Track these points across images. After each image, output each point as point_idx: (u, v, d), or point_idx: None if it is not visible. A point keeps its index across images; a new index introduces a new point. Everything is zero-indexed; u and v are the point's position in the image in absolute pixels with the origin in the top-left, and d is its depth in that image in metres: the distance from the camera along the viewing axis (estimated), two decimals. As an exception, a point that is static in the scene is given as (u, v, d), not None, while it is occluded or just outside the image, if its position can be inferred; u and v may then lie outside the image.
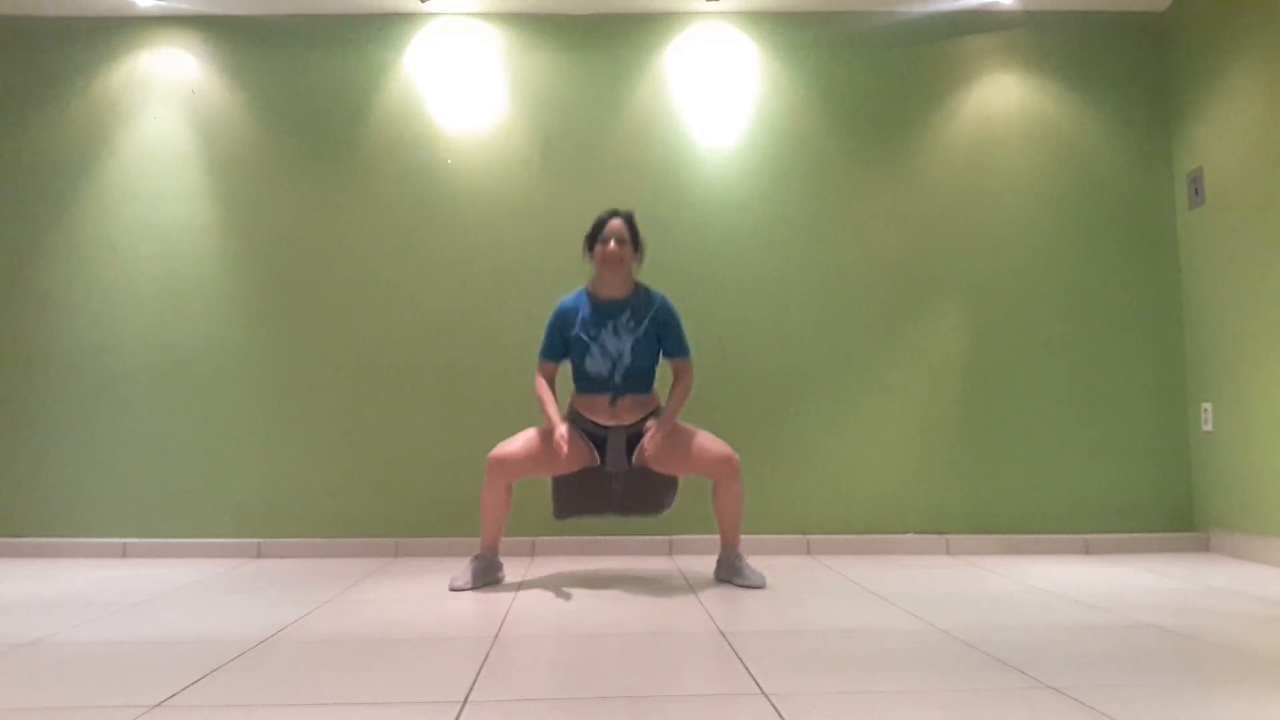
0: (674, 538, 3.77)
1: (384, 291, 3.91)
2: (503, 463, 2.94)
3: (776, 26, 4.04)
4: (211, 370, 3.87)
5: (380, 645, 2.15)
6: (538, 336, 3.83)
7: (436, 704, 1.67)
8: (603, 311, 2.99)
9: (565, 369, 3.13)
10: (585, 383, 3.01)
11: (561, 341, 3.05)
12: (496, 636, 2.23)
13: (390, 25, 4.02)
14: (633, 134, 3.96)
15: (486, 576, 2.99)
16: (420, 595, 2.84)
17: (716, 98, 4.01)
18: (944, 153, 3.99)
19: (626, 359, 2.94)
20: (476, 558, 3.00)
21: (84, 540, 3.76)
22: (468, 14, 4.04)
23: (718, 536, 3.71)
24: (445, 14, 4.04)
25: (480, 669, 1.91)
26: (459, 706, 1.65)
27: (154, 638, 2.25)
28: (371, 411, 3.86)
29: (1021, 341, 3.91)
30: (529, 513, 3.80)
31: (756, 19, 4.04)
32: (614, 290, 3.01)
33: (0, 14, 3.97)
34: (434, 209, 3.94)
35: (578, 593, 2.87)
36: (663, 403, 3.05)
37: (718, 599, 2.73)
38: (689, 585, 2.99)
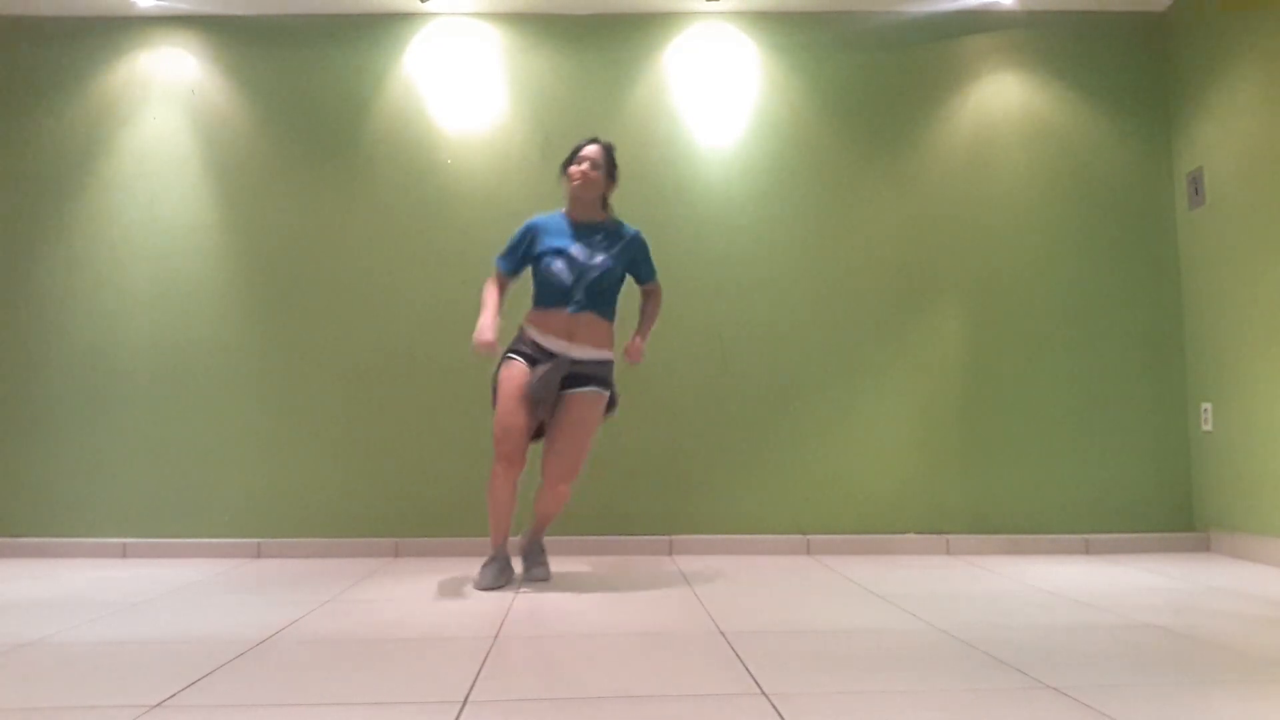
0: (674, 538, 3.77)
1: (384, 291, 3.91)
2: (507, 445, 2.86)
3: (776, 26, 4.04)
4: (211, 370, 3.87)
5: (380, 645, 2.15)
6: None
7: (436, 704, 1.67)
8: (576, 229, 3.01)
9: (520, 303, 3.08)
10: (546, 294, 2.95)
11: (523, 253, 3.02)
12: (496, 636, 2.23)
13: (390, 25, 4.02)
14: (633, 134, 3.95)
15: (501, 579, 2.97)
16: (420, 595, 2.84)
17: (716, 98, 4.01)
18: (944, 152, 3.99)
19: (592, 273, 2.92)
20: (490, 562, 2.99)
21: (84, 540, 3.76)
22: (468, 14, 4.04)
23: (717, 536, 3.74)
24: (445, 14, 4.04)
25: (480, 669, 1.91)
26: (459, 706, 1.65)
27: (154, 638, 2.25)
28: (371, 411, 3.86)
29: (1021, 341, 3.91)
30: (528, 512, 3.79)
31: (756, 19, 4.04)
32: (587, 213, 3.03)
33: (0, 14, 3.97)
34: (434, 209, 3.94)
35: (578, 593, 2.87)
36: (616, 348, 3.02)
37: (718, 599, 2.73)
38: (689, 585, 2.99)
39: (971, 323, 3.92)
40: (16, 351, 3.88)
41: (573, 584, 3.04)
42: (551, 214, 3.08)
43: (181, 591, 2.93)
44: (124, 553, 3.74)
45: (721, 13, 4.04)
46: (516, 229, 3.07)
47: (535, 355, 2.93)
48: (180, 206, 3.94)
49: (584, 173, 2.98)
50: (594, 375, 2.94)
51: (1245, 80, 3.52)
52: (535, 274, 3.01)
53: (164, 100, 3.98)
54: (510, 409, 2.88)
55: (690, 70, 4.02)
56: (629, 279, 3.11)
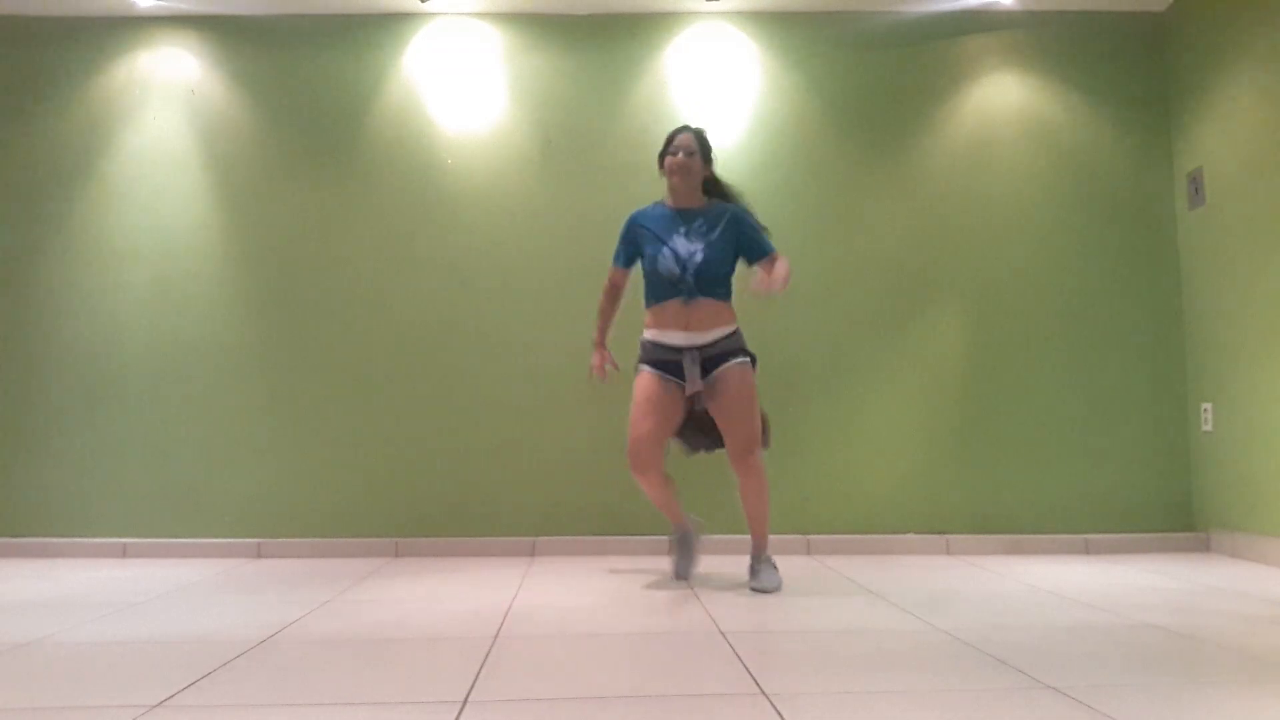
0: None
1: (384, 291, 3.91)
2: (636, 456, 2.92)
3: (776, 26, 4.04)
4: (211, 370, 3.87)
5: (380, 645, 2.15)
6: (537, 337, 3.86)
7: (436, 704, 1.67)
8: (677, 218, 3.02)
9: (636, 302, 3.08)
10: (658, 289, 2.98)
11: (633, 246, 3.07)
12: (496, 636, 2.23)
13: (390, 25, 4.02)
14: (633, 134, 3.96)
15: (687, 550, 3.10)
16: (420, 595, 2.84)
17: (716, 98, 4.01)
18: (944, 153, 3.99)
19: (699, 258, 2.92)
20: (674, 540, 3.11)
21: (84, 540, 3.76)
22: (468, 14, 4.04)
23: (717, 536, 3.74)
24: (445, 14, 4.04)
25: (480, 669, 1.91)
26: (459, 706, 1.65)
27: (154, 638, 2.25)
28: (371, 412, 3.86)
29: (1021, 341, 3.91)
30: (528, 512, 3.80)
31: (756, 19, 4.04)
32: (687, 201, 3.04)
33: (0, 14, 3.97)
34: (434, 209, 3.94)
35: (578, 593, 2.87)
36: (737, 324, 3.00)
37: (718, 599, 2.73)
38: (689, 585, 2.99)
39: (971, 322, 3.92)
40: (17, 351, 3.88)
41: (573, 584, 3.04)
42: (651, 205, 3.10)
43: (181, 591, 2.93)
44: (124, 553, 3.74)
45: (721, 13, 4.04)
46: (621, 226, 3.12)
47: (661, 358, 2.96)
48: (180, 206, 3.94)
49: (682, 162, 3.00)
50: (728, 350, 2.94)
51: (1245, 80, 3.52)
52: (645, 271, 3.04)
53: (164, 100, 3.98)
54: (636, 420, 2.94)
55: (690, 70, 4.02)
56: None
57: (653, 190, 3.92)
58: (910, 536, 3.79)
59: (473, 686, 1.78)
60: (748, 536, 3.73)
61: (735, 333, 2.99)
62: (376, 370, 3.88)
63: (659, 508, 3.10)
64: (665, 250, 2.96)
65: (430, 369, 3.88)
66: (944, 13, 4.02)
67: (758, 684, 1.78)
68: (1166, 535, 3.78)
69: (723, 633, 2.26)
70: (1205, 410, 3.76)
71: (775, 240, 3.93)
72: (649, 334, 3.01)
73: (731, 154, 3.97)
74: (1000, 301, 3.93)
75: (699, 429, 3.06)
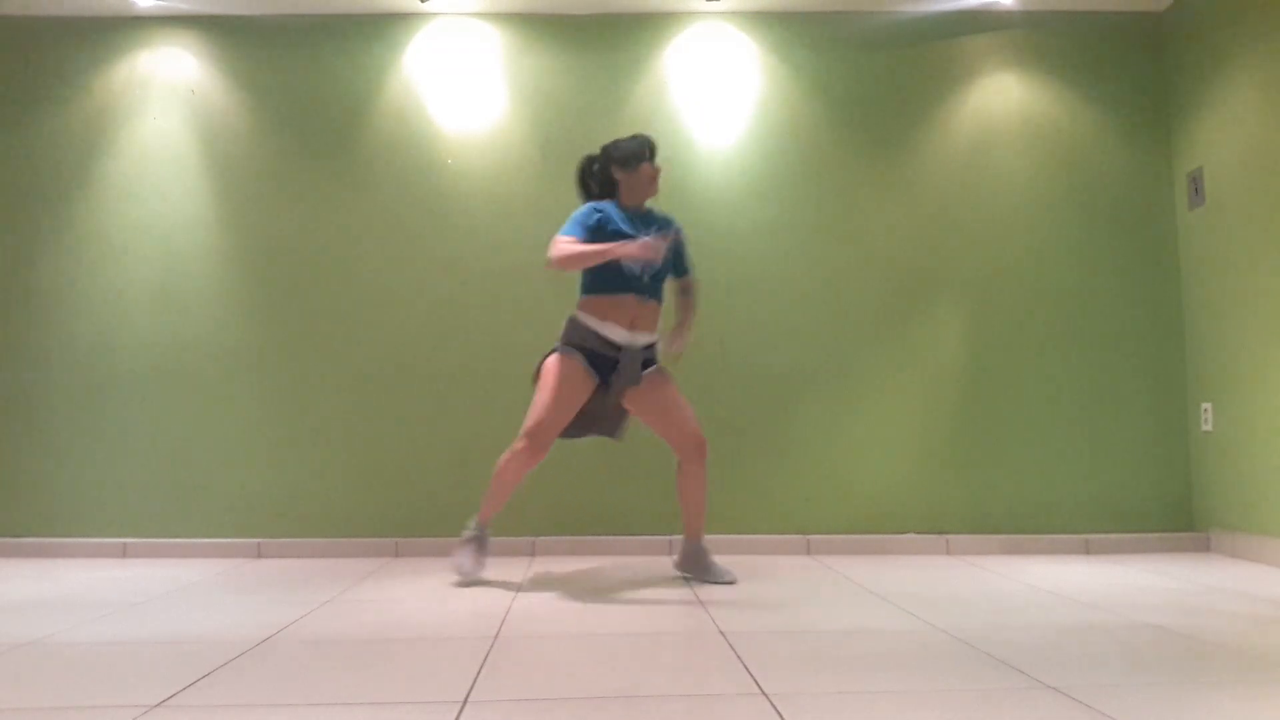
0: (674, 538, 3.77)
1: (384, 291, 3.91)
2: (544, 435, 2.90)
3: (776, 26, 4.04)
4: (211, 370, 3.87)
5: (380, 645, 2.15)
6: (537, 337, 3.85)
7: (436, 704, 1.67)
8: (635, 220, 3.04)
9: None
10: (612, 281, 2.94)
11: (594, 232, 2.95)
12: (496, 636, 2.23)
13: (390, 25, 4.02)
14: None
15: (483, 554, 3.05)
16: (420, 595, 2.84)
17: (716, 98, 4.01)
18: (943, 152, 3.99)
19: (657, 262, 2.95)
20: (474, 539, 3.03)
21: (84, 540, 3.76)
22: (468, 14, 4.04)
23: (717, 536, 3.73)
24: (445, 14, 4.04)
25: (480, 669, 1.92)
26: (459, 706, 1.65)
27: (154, 638, 2.25)
28: (372, 411, 3.86)
29: (1021, 341, 3.91)
30: (529, 512, 3.80)
31: (756, 19, 4.04)
32: (639, 204, 3.10)
33: (0, 14, 3.97)
34: (434, 209, 3.94)
35: (578, 593, 2.87)
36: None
37: (718, 599, 2.73)
38: (689, 585, 2.99)
39: (971, 322, 3.92)
40: (17, 351, 3.88)
41: (573, 584, 3.04)
42: (606, 201, 3.07)
43: (181, 591, 2.93)
44: (124, 553, 3.74)
45: (721, 13, 4.04)
46: (577, 209, 2.99)
47: (595, 349, 2.95)
48: (180, 206, 3.94)
49: (658, 172, 3.05)
50: (652, 357, 3.09)
51: (1245, 80, 3.52)
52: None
53: (164, 100, 3.98)
54: (558, 402, 2.91)
55: (690, 70, 4.02)
56: None
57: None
58: (910, 536, 3.79)
59: (473, 686, 1.78)
60: (748, 537, 3.77)
61: (656, 342, 3.13)
62: (377, 370, 3.88)
63: (493, 492, 2.98)
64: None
65: (430, 369, 3.88)
66: (944, 13, 4.02)
67: (758, 684, 1.78)
68: (1166, 535, 3.78)
69: (722, 633, 2.26)
70: (1205, 410, 3.76)
71: (775, 240, 3.97)
72: (590, 321, 2.97)
73: (731, 154, 3.97)
74: (1000, 301, 3.93)
75: (618, 421, 3.13)
